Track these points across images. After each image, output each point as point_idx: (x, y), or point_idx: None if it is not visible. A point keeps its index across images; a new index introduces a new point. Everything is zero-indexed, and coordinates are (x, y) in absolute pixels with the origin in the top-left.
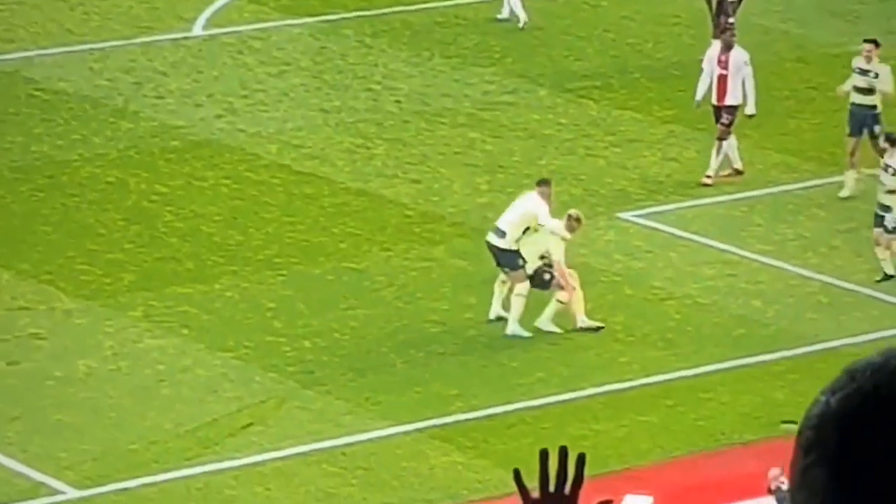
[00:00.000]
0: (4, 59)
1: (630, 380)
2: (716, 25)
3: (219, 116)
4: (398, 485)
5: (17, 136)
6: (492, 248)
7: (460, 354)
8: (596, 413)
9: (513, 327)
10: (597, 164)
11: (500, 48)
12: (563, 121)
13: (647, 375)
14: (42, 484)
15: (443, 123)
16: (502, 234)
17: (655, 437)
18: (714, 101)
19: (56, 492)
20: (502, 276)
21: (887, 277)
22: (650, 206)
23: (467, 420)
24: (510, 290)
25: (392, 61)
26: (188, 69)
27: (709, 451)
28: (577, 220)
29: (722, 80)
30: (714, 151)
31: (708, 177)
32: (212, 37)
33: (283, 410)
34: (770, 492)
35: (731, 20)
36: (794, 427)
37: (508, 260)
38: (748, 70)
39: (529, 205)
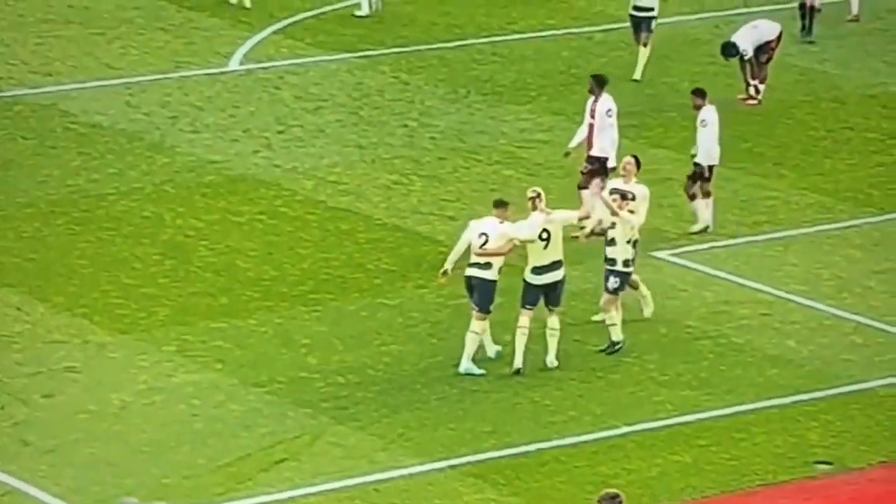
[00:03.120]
0: (42, 92)
1: (663, 419)
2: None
3: (255, 152)
4: None
5: (53, 169)
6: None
7: (493, 392)
8: (629, 452)
9: (465, 365)
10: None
11: (537, 86)
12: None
13: (681, 415)
14: None
15: (479, 161)
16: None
17: (688, 476)
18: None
19: None
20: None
21: None
22: (685, 244)
23: (500, 457)
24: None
25: (429, 98)
26: (224, 104)
27: (742, 491)
28: (534, 197)
29: (591, 129)
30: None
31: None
32: (248, 72)
33: (316, 446)
34: None
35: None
36: (828, 467)
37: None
38: (609, 121)
39: (496, 231)
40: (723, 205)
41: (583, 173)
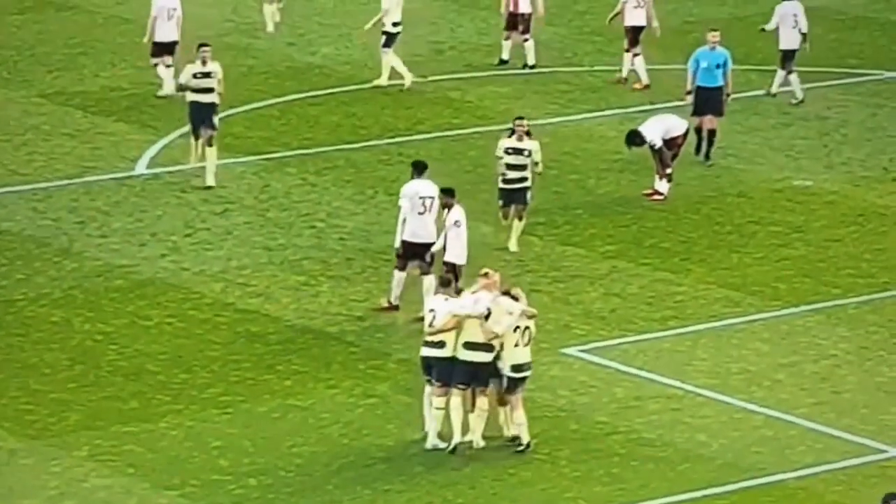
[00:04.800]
0: None
1: None
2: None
3: (163, 255)
4: None
5: None
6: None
7: (406, 491)
8: None
9: (433, 441)
10: (541, 300)
11: (444, 185)
12: (507, 257)
13: None
14: None
15: (387, 261)
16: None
17: None
18: None
19: None
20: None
21: None
22: (594, 341)
23: None
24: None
25: (336, 199)
26: (131, 208)
27: None
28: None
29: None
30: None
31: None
32: (155, 176)
33: None
34: None
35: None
36: None
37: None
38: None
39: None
40: (631, 300)
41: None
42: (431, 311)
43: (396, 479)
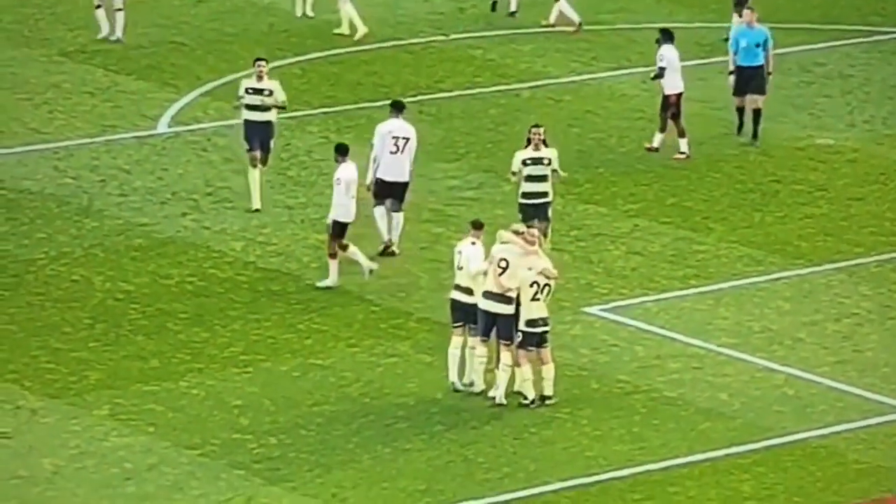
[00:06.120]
0: None
1: (596, 474)
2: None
3: (184, 214)
4: None
5: None
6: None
7: (427, 450)
8: None
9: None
10: (562, 259)
11: (465, 144)
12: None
13: (614, 469)
14: None
15: (408, 219)
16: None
17: None
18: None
19: None
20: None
21: None
22: (615, 300)
23: None
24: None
25: (357, 157)
26: (152, 167)
27: None
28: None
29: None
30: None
31: None
32: (176, 134)
33: None
34: None
35: None
36: None
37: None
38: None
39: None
40: (652, 259)
41: None
42: (459, 252)
43: (417, 438)
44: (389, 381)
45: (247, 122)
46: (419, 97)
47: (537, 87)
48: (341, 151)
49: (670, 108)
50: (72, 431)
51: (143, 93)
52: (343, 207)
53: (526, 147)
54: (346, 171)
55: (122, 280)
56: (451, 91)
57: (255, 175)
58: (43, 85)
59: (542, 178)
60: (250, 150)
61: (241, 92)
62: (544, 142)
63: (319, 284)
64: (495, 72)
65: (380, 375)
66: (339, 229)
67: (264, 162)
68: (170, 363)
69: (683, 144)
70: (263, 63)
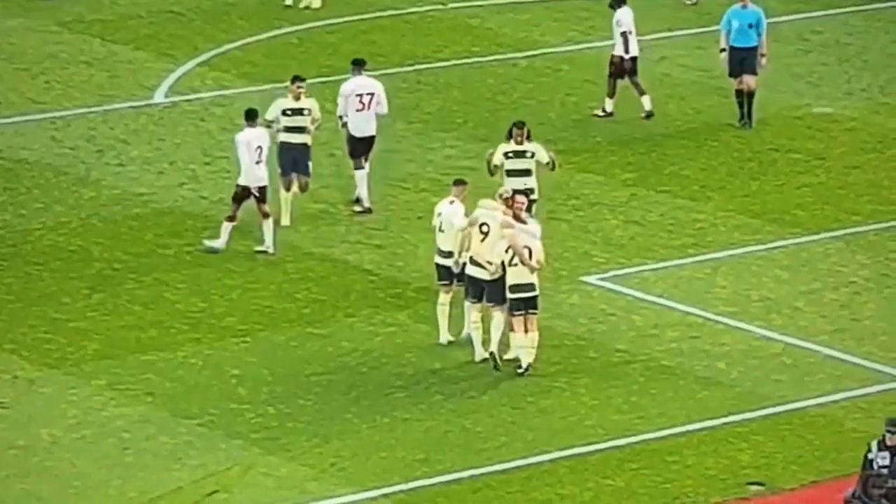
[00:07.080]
0: None
1: (595, 443)
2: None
3: (181, 184)
4: None
5: None
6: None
7: (425, 420)
8: (561, 477)
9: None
10: (560, 228)
11: (463, 113)
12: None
13: (612, 439)
14: None
15: (406, 189)
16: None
17: (621, 500)
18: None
19: None
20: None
21: None
22: (613, 269)
23: (432, 485)
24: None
25: None
26: (150, 137)
27: None
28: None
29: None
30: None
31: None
32: (174, 104)
33: (248, 477)
34: None
35: None
36: (760, 488)
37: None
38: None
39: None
40: (650, 228)
41: None
42: (439, 214)
43: (415, 408)
44: (388, 351)
45: (284, 144)
46: (417, 66)
47: (535, 56)
48: (249, 117)
49: (625, 72)
50: (70, 401)
51: (140, 62)
52: (249, 172)
53: (508, 141)
54: (248, 135)
55: (120, 250)
56: (448, 60)
57: (286, 196)
58: (40, 55)
59: (526, 173)
60: (283, 174)
61: (277, 113)
62: (528, 137)
63: (206, 243)
64: (493, 41)
65: (378, 345)
66: (243, 193)
67: (306, 188)
68: (168, 333)
69: (647, 102)
70: (303, 84)
